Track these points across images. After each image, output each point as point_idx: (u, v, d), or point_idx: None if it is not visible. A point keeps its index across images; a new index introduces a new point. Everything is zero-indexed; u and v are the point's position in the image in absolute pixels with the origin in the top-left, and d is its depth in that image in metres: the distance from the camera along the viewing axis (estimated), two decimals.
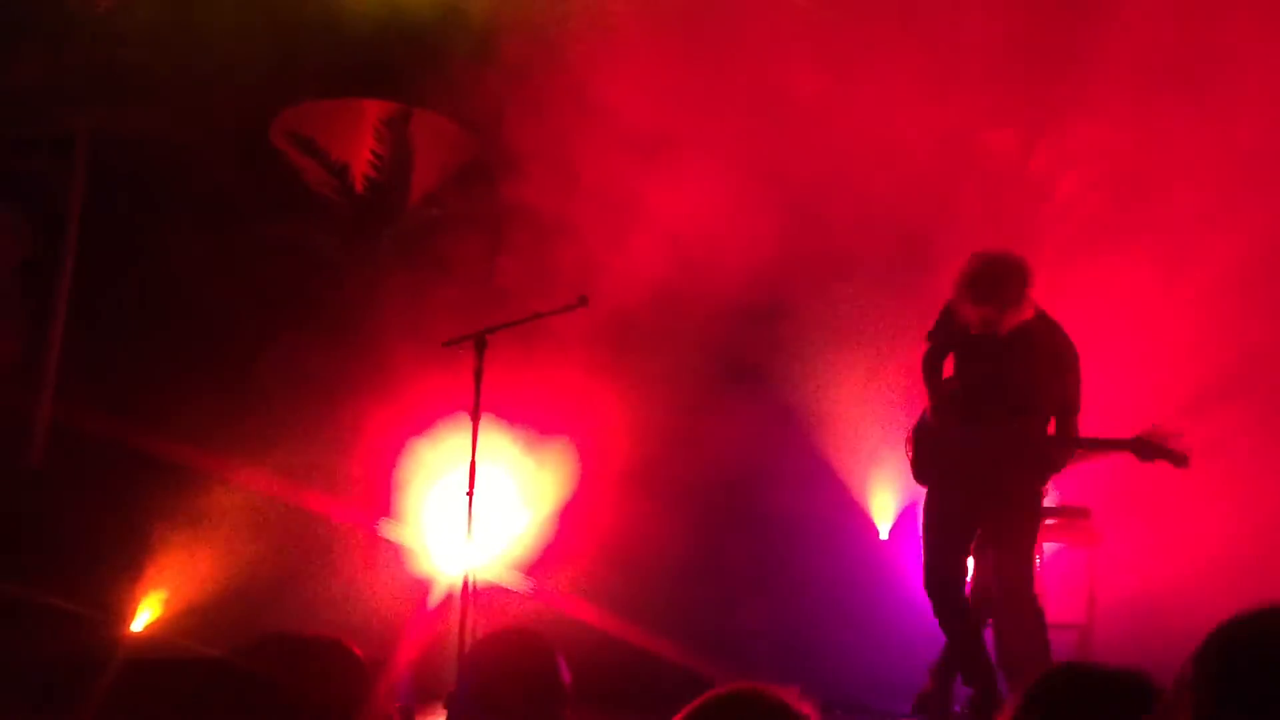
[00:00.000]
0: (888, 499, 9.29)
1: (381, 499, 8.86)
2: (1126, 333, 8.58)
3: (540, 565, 9.03)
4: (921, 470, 6.33)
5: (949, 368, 6.36)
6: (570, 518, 9.23)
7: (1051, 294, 9.24)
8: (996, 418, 5.93)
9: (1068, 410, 6.03)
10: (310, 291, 9.50)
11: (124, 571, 7.70)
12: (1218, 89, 8.34)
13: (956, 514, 6.05)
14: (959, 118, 9.21)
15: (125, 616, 7.58)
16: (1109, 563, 7.32)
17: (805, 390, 9.26)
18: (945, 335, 6.23)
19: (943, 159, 9.27)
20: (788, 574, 8.99)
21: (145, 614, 7.63)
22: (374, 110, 9.78)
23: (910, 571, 8.88)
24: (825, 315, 9.17)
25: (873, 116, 8.62)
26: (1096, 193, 9.62)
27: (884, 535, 9.22)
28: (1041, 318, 6.06)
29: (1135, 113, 8.75)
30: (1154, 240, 8.71)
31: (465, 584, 6.07)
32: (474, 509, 6.34)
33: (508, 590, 8.33)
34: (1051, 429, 6.02)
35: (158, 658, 6.55)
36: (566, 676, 2.74)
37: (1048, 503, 7.44)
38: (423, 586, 8.89)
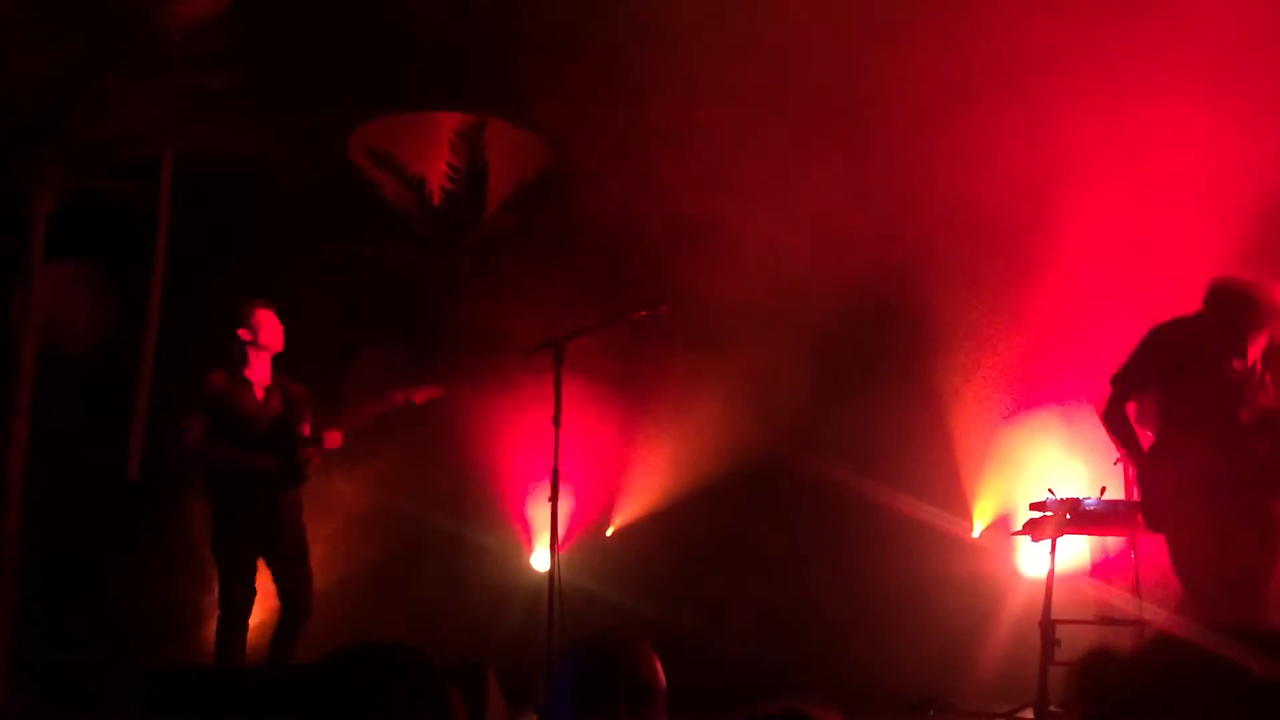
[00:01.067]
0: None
1: (473, 506, 8.99)
2: None
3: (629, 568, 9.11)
4: (1167, 511, 5.87)
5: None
6: (666, 520, 9.30)
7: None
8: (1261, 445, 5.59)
9: None
10: (393, 305, 9.65)
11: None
12: None
13: (1245, 548, 5.57)
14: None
15: None
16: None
17: (907, 393, 9.27)
18: (1154, 370, 5.89)
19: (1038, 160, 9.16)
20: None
21: None
22: (448, 122, 9.89)
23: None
24: (925, 319, 9.19)
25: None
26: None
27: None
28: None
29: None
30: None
31: (552, 588, 6.07)
32: (558, 514, 6.34)
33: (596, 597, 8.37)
34: None
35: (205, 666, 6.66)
36: (662, 679, 2.71)
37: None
38: (513, 592, 9.02)
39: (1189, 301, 6.02)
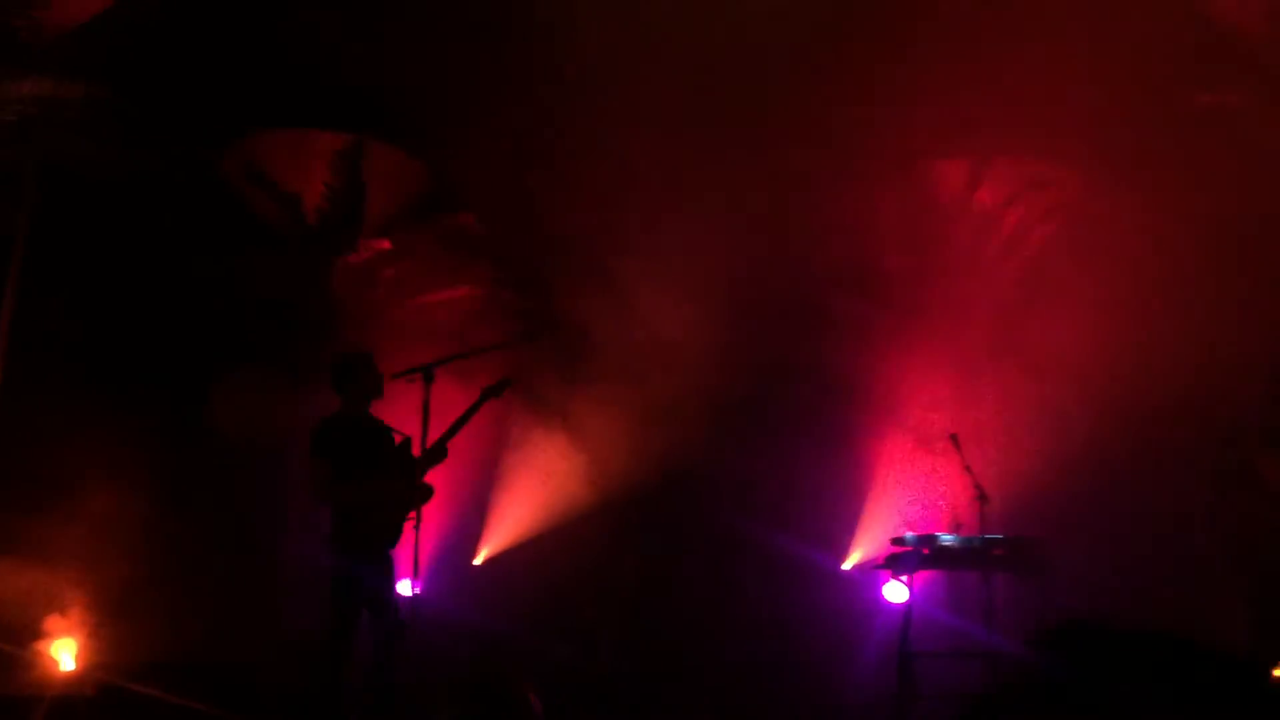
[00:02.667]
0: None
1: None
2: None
3: (497, 596, 9.05)
4: None
5: None
6: (534, 547, 9.26)
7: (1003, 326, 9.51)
8: None
9: None
10: (263, 326, 9.42)
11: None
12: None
13: None
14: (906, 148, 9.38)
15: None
16: (1058, 590, 7.38)
17: (793, 436, 9.44)
18: None
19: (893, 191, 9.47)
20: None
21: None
22: (326, 142, 9.72)
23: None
24: (815, 368, 9.37)
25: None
26: (1044, 225, 9.84)
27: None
28: None
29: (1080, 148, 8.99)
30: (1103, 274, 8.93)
31: (410, 612, 5.98)
32: (419, 538, 6.26)
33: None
34: None
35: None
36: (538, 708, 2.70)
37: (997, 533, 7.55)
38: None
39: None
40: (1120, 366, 8.66)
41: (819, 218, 9.31)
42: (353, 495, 6.20)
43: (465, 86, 8.90)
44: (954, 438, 7.87)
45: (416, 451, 6.35)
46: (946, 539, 7.30)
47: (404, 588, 7.10)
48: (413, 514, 6.27)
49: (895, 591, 8.13)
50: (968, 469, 7.75)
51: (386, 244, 9.83)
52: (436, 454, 6.39)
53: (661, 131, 8.77)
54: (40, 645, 7.55)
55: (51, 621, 7.68)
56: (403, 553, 6.39)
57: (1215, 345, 8.26)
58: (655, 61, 8.52)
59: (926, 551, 7.28)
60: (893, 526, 9.10)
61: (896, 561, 7.42)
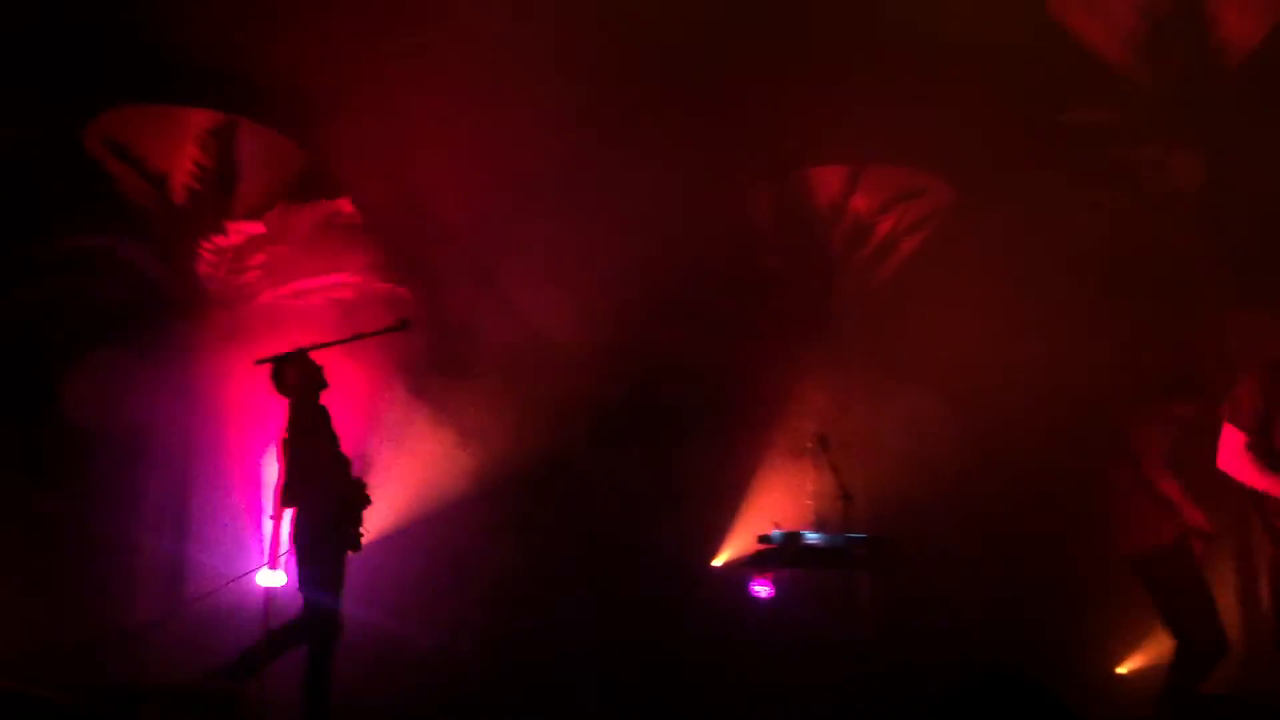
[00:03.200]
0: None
1: (185, 520, 8.55)
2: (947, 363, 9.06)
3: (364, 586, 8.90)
4: None
5: None
6: (406, 538, 9.15)
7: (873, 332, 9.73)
8: None
9: None
10: (123, 307, 9.10)
11: None
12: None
13: None
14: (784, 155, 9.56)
15: None
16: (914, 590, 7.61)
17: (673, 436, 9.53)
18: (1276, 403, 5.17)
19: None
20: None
21: None
22: (198, 119, 9.42)
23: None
24: (695, 369, 9.47)
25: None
26: (916, 234, 10.12)
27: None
28: None
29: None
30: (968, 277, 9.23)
31: (267, 608, 5.83)
32: (278, 532, 6.11)
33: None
34: None
35: None
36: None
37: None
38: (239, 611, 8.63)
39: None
40: (984, 375, 8.96)
41: (698, 220, 9.41)
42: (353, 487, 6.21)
43: (346, 70, 8.74)
44: (822, 439, 8.00)
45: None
46: (811, 537, 7.45)
47: (268, 578, 6.93)
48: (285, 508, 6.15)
49: (761, 589, 8.24)
50: (834, 470, 7.88)
51: (259, 227, 9.57)
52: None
53: (546, 130, 8.75)
54: None
55: None
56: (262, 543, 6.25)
57: (1078, 357, 8.61)
58: (541, 59, 8.50)
59: (791, 549, 7.41)
60: (763, 525, 9.21)
61: (763, 559, 7.54)
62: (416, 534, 9.21)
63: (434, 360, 9.12)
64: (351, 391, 8.53)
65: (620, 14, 8.47)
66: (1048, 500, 8.84)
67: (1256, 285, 8.69)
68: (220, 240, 9.47)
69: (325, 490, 6.13)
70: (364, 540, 6.35)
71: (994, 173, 9.07)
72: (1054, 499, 8.82)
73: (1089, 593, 8.66)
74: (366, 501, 6.39)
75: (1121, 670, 8.69)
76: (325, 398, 6.32)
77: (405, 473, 9.34)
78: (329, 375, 6.38)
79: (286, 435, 5.99)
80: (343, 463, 6.32)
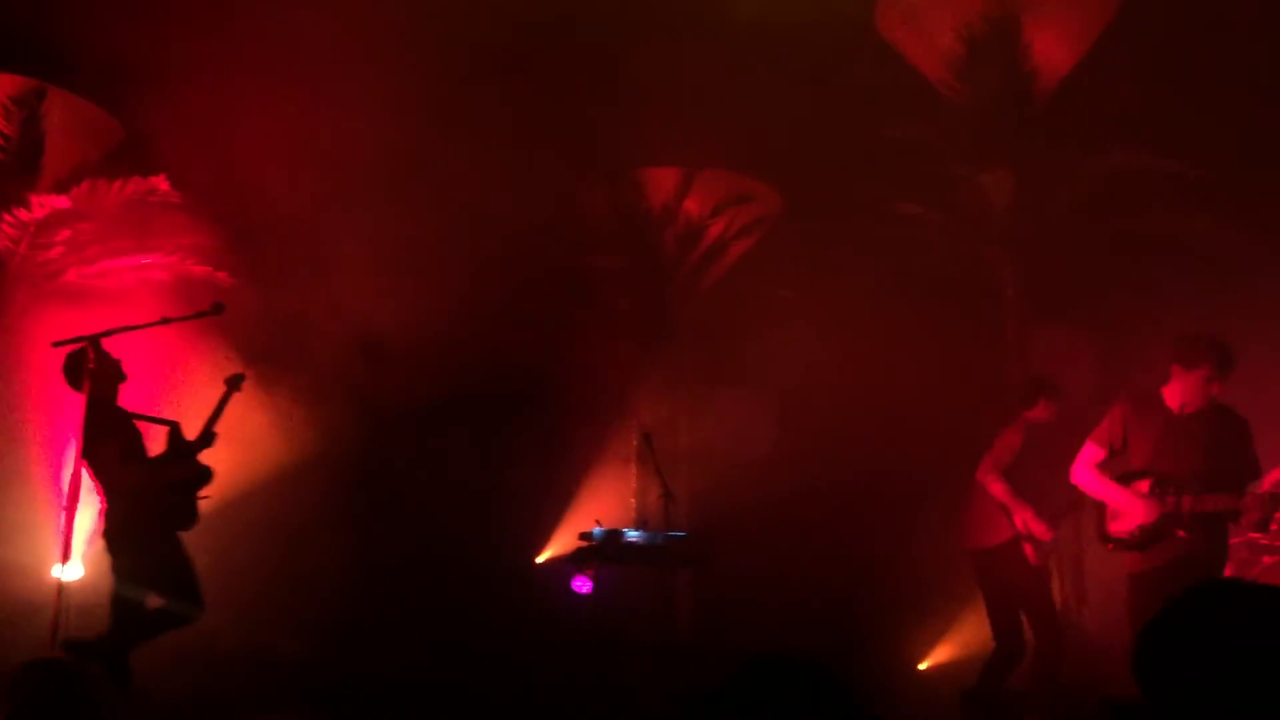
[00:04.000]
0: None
1: None
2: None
3: None
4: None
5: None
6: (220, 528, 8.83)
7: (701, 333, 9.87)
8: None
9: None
10: None
11: None
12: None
13: None
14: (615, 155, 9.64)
15: None
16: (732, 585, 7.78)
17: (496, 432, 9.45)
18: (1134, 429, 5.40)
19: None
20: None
21: None
22: (1, 84, 8.86)
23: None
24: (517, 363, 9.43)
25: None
26: (746, 238, 10.34)
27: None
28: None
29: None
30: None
31: (59, 598, 5.52)
32: (71, 525, 5.80)
33: None
34: None
35: None
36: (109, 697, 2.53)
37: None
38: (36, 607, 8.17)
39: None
40: (806, 378, 9.22)
41: (532, 217, 9.39)
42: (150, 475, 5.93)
43: (168, 41, 8.37)
44: (647, 438, 8.07)
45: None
46: (632, 535, 7.50)
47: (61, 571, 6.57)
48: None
49: (581, 585, 8.27)
50: (658, 468, 7.96)
51: (65, 202, 9.06)
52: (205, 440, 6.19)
53: (380, 120, 8.60)
54: None
55: None
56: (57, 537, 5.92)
57: (893, 363, 8.93)
58: (377, 47, 8.34)
59: (612, 547, 7.45)
60: (587, 522, 9.24)
61: (584, 556, 7.55)
62: (234, 526, 8.91)
63: (256, 350, 8.82)
64: (164, 379, 8.21)
65: (454, 8, 8.40)
66: (865, 500, 9.15)
67: (1053, 300, 9.19)
68: (22, 214, 8.92)
69: (118, 486, 5.86)
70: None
71: (818, 181, 9.34)
72: (870, 499, 9.13)
73: (901, 591, 9.00)
74: (203, 477, 6.15)
75: (923, 666, 9.06)
76: (137, 386, 6.04)
77: (224, 464, 9.02)
78: (142, 360, 6.11)
79: (81, 428, 5.71)
80: (140, 454, 6.03)
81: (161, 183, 8.95)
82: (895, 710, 8.12)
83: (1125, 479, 5.30)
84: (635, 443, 9.63)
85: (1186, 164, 8.75)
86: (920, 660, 9.06)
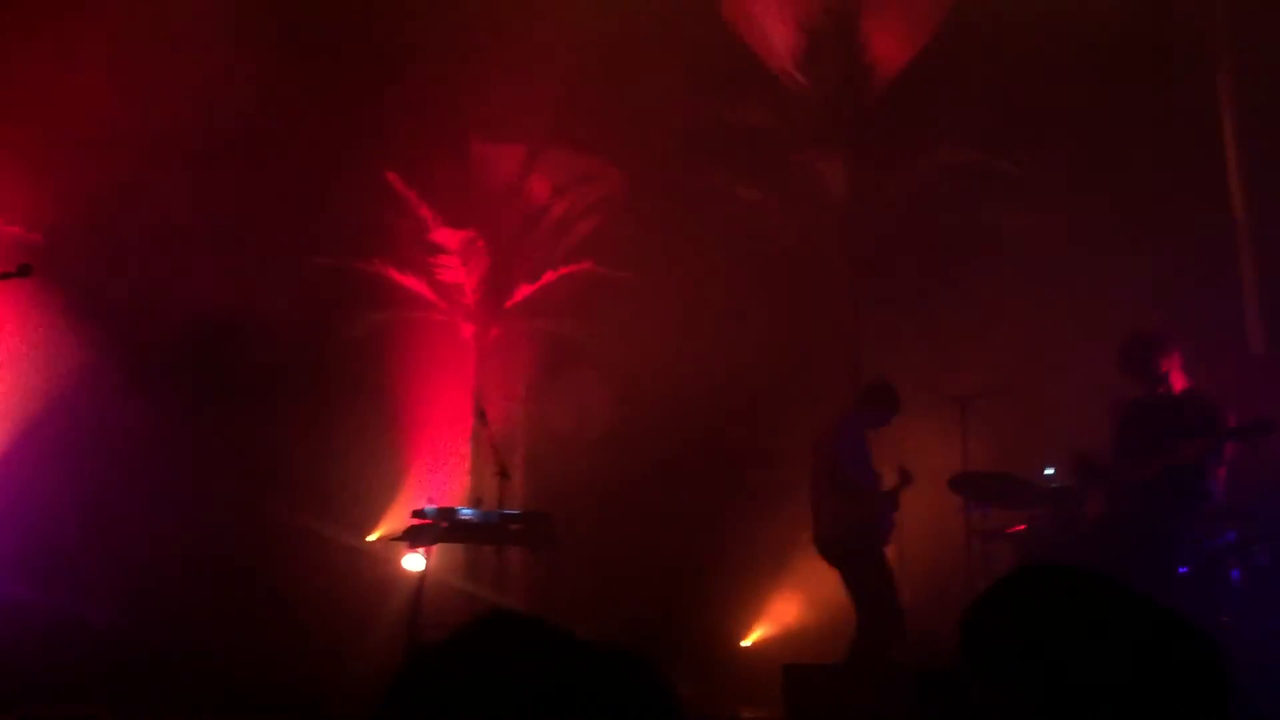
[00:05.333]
0: None
1: None
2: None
3: None
4: None
5: None
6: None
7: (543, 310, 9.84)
8: None
9: None
10: None
11: None
12: None
13: None
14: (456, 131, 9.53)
15: None
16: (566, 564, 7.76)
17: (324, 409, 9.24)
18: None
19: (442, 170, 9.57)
20: None
21: None
22: None
23: None
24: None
25: None
26: (590, 218, 10.33)
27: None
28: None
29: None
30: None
31: None
32: None
33: None
34: None
35: None
36: None
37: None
38: None
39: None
40: (645, 359, 9.30)
41: (371, 193, 9.23)
42: None
43: None
44: (482, 414, 8.02)
45: None
46: (466, 513, 7.44)
47: None
48: None
49: (413, 563, 8.16)
50: (493, 446, 7.91)
51: None
52: None
53: (209, 91, 8.33)
54: None
55: None
56: None
57: (731, 345, 9.08)
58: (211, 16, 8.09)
59: (445, 525, 7.36)
60: (419, 500, 9.13)
61: (416, 534, 7.45)
62: (56, 497, 8.50)
63: (57, 313, 8.42)
64: None
65: None
66: (701, 481, 9.28)
67: (884, 287, 9.50)
68: None
69: None
70: None
71: (661, 163, 9.41)
72: (706, 480, 9.27)
73: (731, 570, 9.18)
74: None
75: (746, 643, 9.27)
76: None
77: (31, 433, 8.59)
78: None
79: None
80: None
81: None
82: (721, 685, 8.33)
83: None
84: (471, 420, 9.55)
85: (1013, 161, 9.16)
86: (743, 637, 9.28)
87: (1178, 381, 5.68)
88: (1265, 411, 5.53)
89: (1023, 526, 6.80)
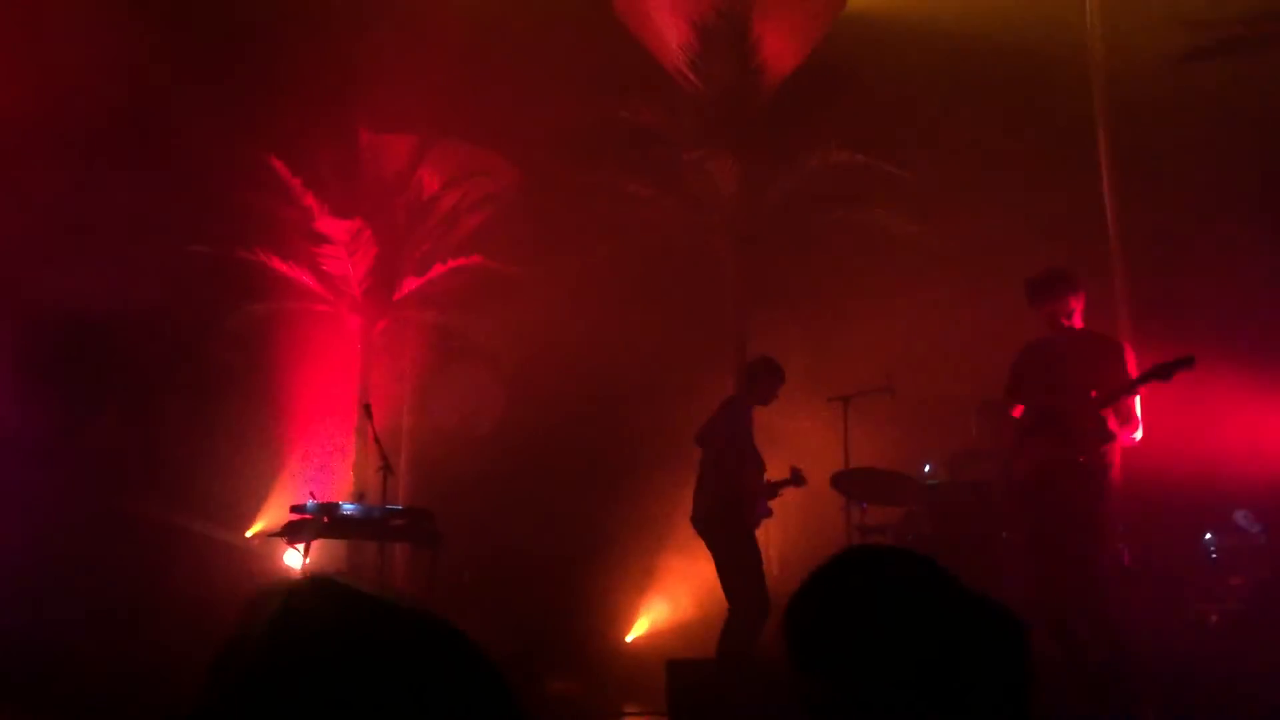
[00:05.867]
0: None
1: None
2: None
3: None
4: None
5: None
6: None
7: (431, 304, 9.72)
8: None
9: None
10: None
11: None
12: None
13: None
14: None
15: None
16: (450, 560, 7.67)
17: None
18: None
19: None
20: None
21: None
22: None
23: None
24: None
25: None
26: (479, 212, 10.25)
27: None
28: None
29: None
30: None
31: None
32: None
33: None
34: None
35: None
36: None
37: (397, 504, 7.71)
38: None
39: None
40: (534, 354, 9.26)
41: (255, 182, 9.03)
42: None
43: None
44: (367, 408, 7.88)
45: None
46: (348, 508, 7.31)
47: None
48: None
49: (293, 559, 7.99)
50: (377, 440, 7.78)
51: None
52: None
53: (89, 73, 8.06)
54: None
55: None
56: None
57: (622, 341, 9.09)
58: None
59: (327, 520, 7.22)
60: (302, 496, 8.96)
61: (295, 529, 7.28)
62: None
63: None
64: None
65: None
66: (586, 476, 9.27)
67: (771, 285, 9.61)
68: None
69: None
70: None
71: (554, 159, 9.38)
72: (591, 475, 9.26)
73: (617, 565, 9.20)
74: None
75: (629, 638, 9.30)
76: None
77: None
78: None
79: None
80: None
81: None
82: (605, 681, 8.34)
83: None
84: (354, 415, 9.39)
85: (898, 164, 9.35)
86: (627, 633, 9.30)
87: (1079, 324, 5.69)
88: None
89: (899, 521, 6.95)
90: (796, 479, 6.85)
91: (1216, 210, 8.50)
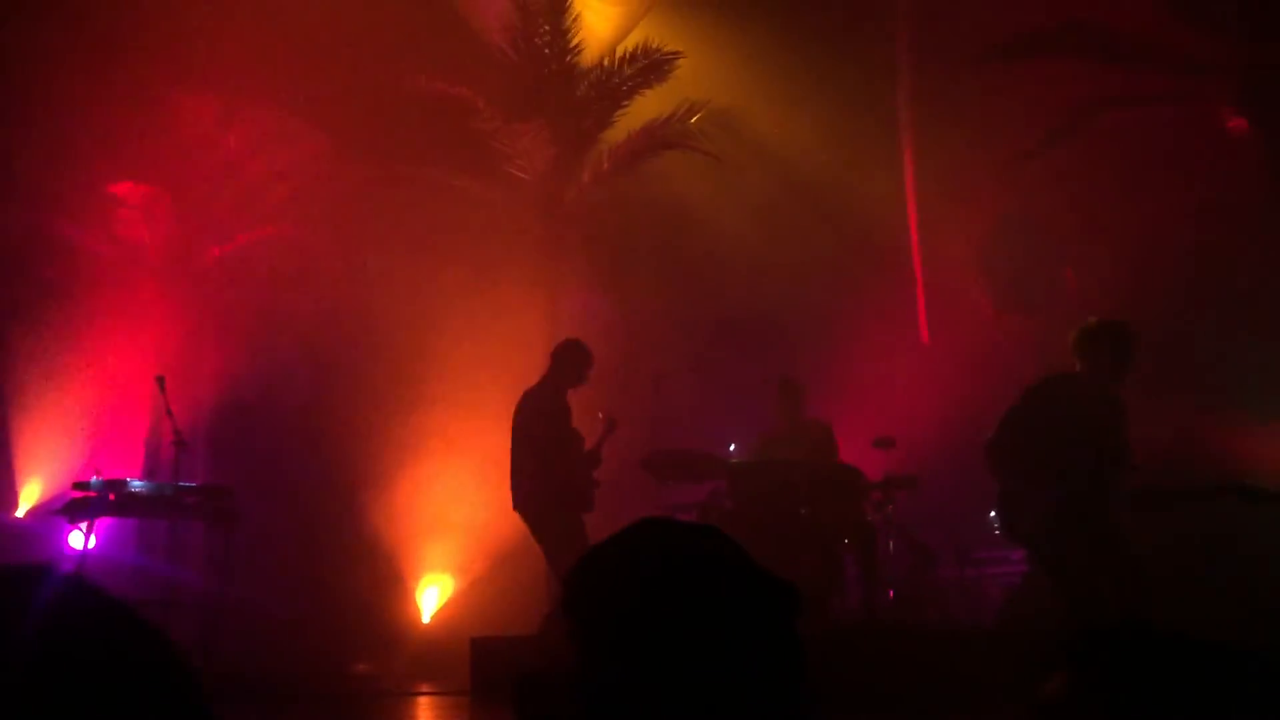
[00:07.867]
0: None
1: None
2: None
3: None
4: None
5: None
6: None
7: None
8: None
9: None
10: None
11: None
12: None
13: None
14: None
15: None
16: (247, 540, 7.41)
17: None
18: None
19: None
20: None
21: None
22: None
23: None
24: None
25: None
26: (289, 179, 9.88)
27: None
28: None
29: None
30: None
31: None
32: None
33: None
34: None
35: None
36: None
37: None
38: None
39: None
40: (342, 332, 9.05)
41: (28, 136, 8.49)
42: None
43: None
44: (160, 380, 7.48)
45: None
46: (136, 485, 6.95)
47: None
48: None
49: (77, 540, 7.55)
50: (169, 413, 7.41)
51: None
52: None
53: None
54: None
55: None
56: None
57: (445, 327, 8.94)
58: None
59: (113, 497, 6.85)
60: (80, 470, 8.41)
61: (76, 507, 6.89)
62: None
63: None
64: None
65: None
66: (392, 455, 9.09)
67: (583, 266, 9.65)
68: None
69: None
70: None
71: (365, 130, 9.15)
72: (398, 455, 9.09)
73: (422, 546, 9.09)
74: None
75: (427, 621, 9.23)
76: None
77: None
78: None
79: None
80: None
81: None
82: (405, 661, 8.25)
83: None
84: (145, 384, 8.93)
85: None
86: (426, 613, 9.23)
87: None
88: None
89: (704, 498, 7.10)
90: (610, 427, 6.89)
91: None
